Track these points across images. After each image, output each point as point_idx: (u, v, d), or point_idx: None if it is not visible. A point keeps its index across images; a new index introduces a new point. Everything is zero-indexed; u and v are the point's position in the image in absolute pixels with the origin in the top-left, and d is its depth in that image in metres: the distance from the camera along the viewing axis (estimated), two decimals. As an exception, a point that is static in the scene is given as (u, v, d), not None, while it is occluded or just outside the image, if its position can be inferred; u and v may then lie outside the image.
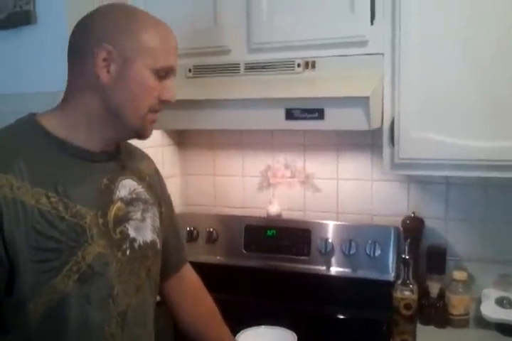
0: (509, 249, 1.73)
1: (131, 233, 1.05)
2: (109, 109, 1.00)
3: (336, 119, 1.44)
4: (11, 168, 0.92)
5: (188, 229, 2.04)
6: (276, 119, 1.49)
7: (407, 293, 1.55)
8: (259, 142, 2.03)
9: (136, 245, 1.06)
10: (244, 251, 1.97)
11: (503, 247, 1.74)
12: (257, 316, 1.57)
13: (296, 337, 1.46)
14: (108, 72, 0.98)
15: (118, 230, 1.02)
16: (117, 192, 1.05)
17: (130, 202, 1.07)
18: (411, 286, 1.56)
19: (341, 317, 1.81)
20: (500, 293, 1.66)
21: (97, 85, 0.99)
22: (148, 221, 1.11)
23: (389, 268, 1.78)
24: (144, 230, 1.09)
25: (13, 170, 0.92)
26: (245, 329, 1.51)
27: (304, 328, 1.65)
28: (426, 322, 1.68)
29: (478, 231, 1.76)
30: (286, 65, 1.57)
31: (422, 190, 1.83)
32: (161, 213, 1.18)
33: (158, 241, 1.14)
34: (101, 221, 0.99)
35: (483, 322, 1.64)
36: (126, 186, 1.08)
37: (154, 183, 1.20)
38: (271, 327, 1.54)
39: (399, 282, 1.58)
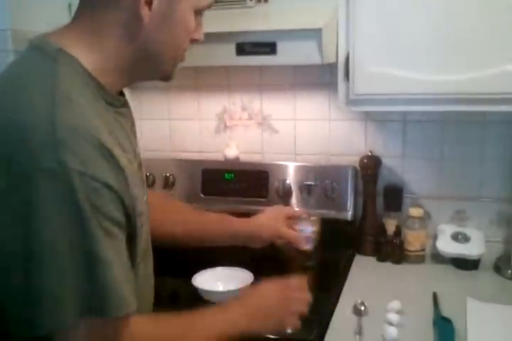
0: (465, 186, 1.74)
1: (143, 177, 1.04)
2: (145, 51, 0.88)
3: (288, 53, 1.39)
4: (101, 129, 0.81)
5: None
6: (227, 55, 1.43)
7: None
8: (214, 83, 1.96)
9: (145, 199, 0.99)
10: (202, 195, 1.94)
11: (460, 184, 1.75)
12: (214, 258, 1.56)
13: (252, 277, 1.45)
14: (150, 9, 0.84)
15: (143, 178, 1.01)
16: (134, 140, 1.00)
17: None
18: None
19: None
20: (456, 229, 1.68)
21: (134, 24, 0.85)
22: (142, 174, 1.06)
23: (347, 207, 1.78)
24: (144, 184, 1.03)
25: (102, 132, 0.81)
26: (202, 271, 1.50)
27: (260, 268, 1.64)
28: (383, 259, 1.69)
29: (435, 169, 1.77)
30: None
31: (379, 128, 1.81)
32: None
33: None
34: (140, 171, 0.97)
35: (439, 258, 1.67)
36: (134, 134, 1.02)
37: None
38: (228, 267, 1.52)
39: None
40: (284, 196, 1.83)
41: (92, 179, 0.76)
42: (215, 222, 1.38)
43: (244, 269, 1.51)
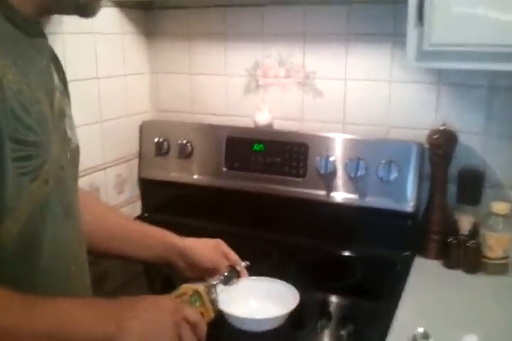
0: None
1: (68, 132, 0.86)
2: None
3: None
4: None
5: (156, 140, 1.64)
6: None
7: None
8: (246, 31, 1.57)
9: (72, 147, 0.87)
10: (224, 168, 1.57)
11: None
12: (239, 250, 1.22)
13: (298, 296, 1.08)
14: None
15: (61, 127, 0.84)
16: (54, 77, 0.85)
17: (62, 92, 0.88)
18: None
19: (346, 254, 1.44)
20: (551, 232, 1.27)
21: None
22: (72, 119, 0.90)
23: (407, 195, 1.38)
24: (74, 131, 0.89)
25: None
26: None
27: (295, 267, 1.34)
28: (452, 266, 1.31)
29: (528, 151, 1.35)
30: None
31: (457, 95, 1.39)
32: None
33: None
34: (51, 114, 0.79)
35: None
36: (55, 72, 0.87)
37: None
38: (262, 278, 1.15)
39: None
40: (327, 177, 1.44)
41: None
42: (153, 231, 1.12)
43: (286, 283, 1.14)
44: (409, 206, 1.39)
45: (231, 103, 1.64)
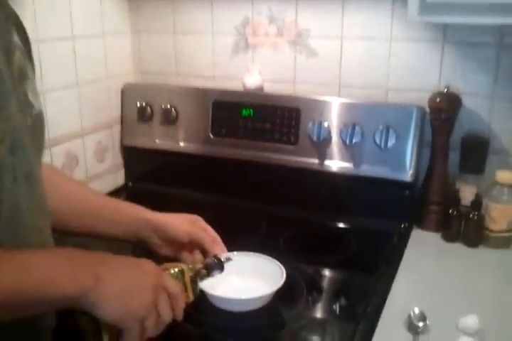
0: None
1: (30, 96, 0.78)
2: None
3: None
4: None
5: (138, 104, 1.54)
6: None
7: None
8: (234, -16, 1.44)
9: (34, 113, 0.79)
10: (211, 135, 1.47)
11: None
12: (225, 222, 1.13)
13: (284, 273, 0.99)
14: None
15: (21, 89, 0.76)
16: (14, 35, 0.77)
17: (23, 53, 0.79)
18: None
19: (339, 226, 1.36)
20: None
21: None
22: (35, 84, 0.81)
23: (405, 163, 1.28)
24: (38, 96, 0.81)
25: None
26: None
27: (285, 240, 1.25)
28: (452, 239, 1.23)
29: (537, 116, 1.25)
30: None
31: (462, 54, 1.28)
32: None
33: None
34: (9, 72, 0.72)
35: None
36: (15, 31, 0.78)
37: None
38: (243, 252, 1.06)
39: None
40: (320, 144, 1.34)
41: None
42: (125, 206, 1.03)
43: (269, 257, 1.04)
44: (407, 175, 1.29)
45: (218, 64, 1.52)
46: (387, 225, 1.30)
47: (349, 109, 1.33)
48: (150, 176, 1.61)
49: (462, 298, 1.01)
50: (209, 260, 0.91)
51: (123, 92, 1.58)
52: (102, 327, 0.73)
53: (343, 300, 1.05)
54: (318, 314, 1.03)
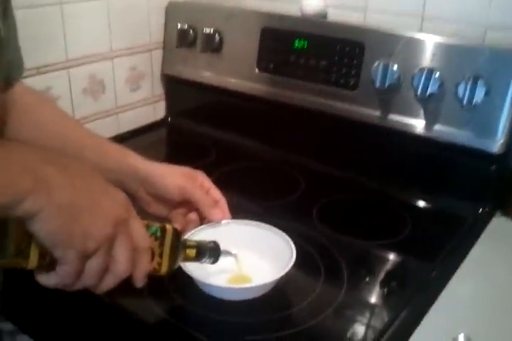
0: None
1: None
2: None
3: None
4: None
5: (179, 26, 1.29)
6: None
7: None
8: None
9: None
10: (257, 70, 1.21)
11: None
12: (259, 175, 0.92)
13: (294, 253, 0.74)
14: None
15: None
16: None
17: None
18: None
19: (396, 200, 1.07)
20: None
21: None
22: None
23: (495, 128, 0.95)
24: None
25: None
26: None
27: (321, 207, 1.01)
28: None
29: None
30: None
31: None
32: None
33: None
34: None
35: None
36: None
37: None
38: (248, 222, 0.82)
39: None
40: (385, 92, 1.04)
41: None
42: (112, 149, 0.85)
43: (277, 229, 0.80)
44: (496, 144, 0.95)
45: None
46: (460, 206, 1.00)
47: (429, 48, 1.00)
48: (190, 113, 1.40)
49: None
50: (204, 241, 0.70)
51: (167, 11, 1.34)
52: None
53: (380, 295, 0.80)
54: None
